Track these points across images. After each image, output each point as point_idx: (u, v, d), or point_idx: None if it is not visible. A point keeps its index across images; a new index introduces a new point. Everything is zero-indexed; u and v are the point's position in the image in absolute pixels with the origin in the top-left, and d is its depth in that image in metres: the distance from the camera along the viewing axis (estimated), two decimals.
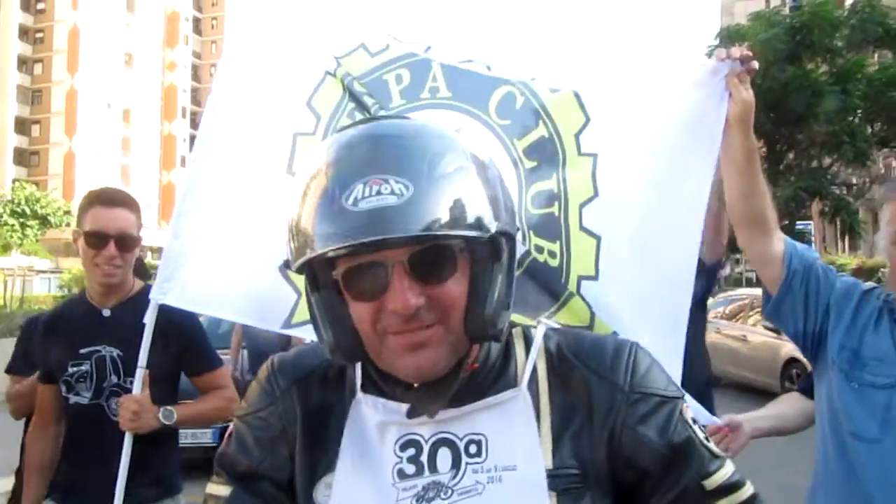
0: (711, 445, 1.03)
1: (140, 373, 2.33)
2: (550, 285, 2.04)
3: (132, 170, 72.03)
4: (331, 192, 0.91)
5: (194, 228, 2.31)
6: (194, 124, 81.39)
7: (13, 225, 36.22)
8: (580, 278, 2.03)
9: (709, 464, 1.01)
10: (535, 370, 1.04)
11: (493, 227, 0.94)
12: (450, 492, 0.99)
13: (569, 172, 2.07)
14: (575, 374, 1.04)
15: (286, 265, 1.00)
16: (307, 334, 2.07)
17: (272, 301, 2.16)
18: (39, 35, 71.25)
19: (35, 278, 32.40)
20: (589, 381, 1.03)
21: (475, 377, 1.02)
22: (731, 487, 1.01)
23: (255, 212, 2.23)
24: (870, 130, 18.59)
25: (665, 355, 1.86)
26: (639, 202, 2.01)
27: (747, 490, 1.02)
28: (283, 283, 2.15)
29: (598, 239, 2.03)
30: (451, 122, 2.14)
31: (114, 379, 2.43)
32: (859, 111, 17.85)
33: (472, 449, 1.00)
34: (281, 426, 1.08)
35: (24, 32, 70.64)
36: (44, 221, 37.94)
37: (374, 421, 1.04)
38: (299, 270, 0.98)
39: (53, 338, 2.51)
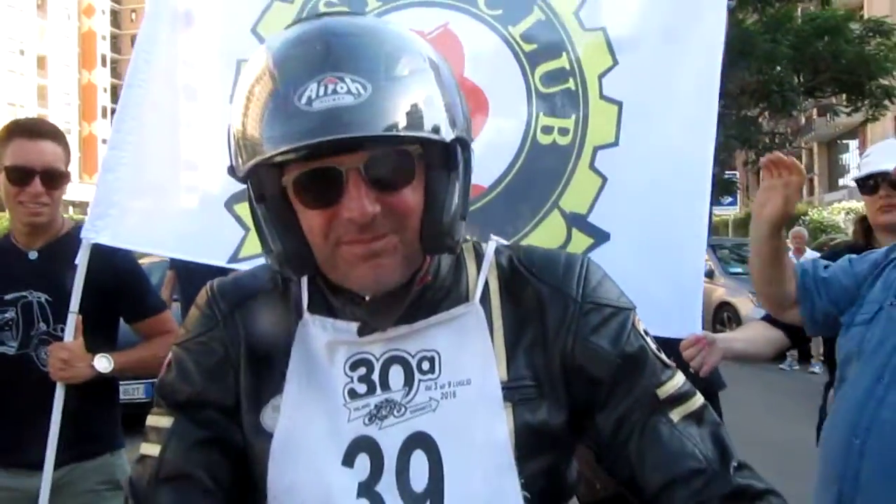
0: (663, 356, 1.03)
1: (72, 318, 2.17)
2: (544, 182, 2.01)
3: (50, 120, 68.91)
4: (282, 92, 0.86)
5: (129, 162, 2.16)
6: (115, 73, 78.42)
7: None
8: (596, 149, 2.00)
9: (661, 373, 1.01)
10: (486, 285, 1.03)
11: (451, 133, 0.92)
12: (403, 409, 0.97)
13: (578, 46, 2.03)
14: (527, 288, 1.02)
15: (231, 172, 0.96)
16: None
17: (217, 236, 2.07)
18: None
19: None
20: (541, 293, 1.02)
21: (426, 293, 1.00)
22: (682, 397, 1.01)
23: (196, 143, 2.11)
24: (797, 80, 18.99)
25: (684, 240, 1.91)
26: (658, 66, 2.02)
27: (698, 400, 1.02)
28: (229, 217, 2.05)
29: (620, 105, 2.00)
30: (435, 19, 2.08)
31: (42, 326, 2.24)
32: (786, 61, 18.20)
33: (425, 365, 0.99)
34: (224, 350, 1.04)
35: None
36: None
37: (322, 341, 1.01)
38: (246, 177, 0.93)
39: None
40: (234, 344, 1.04)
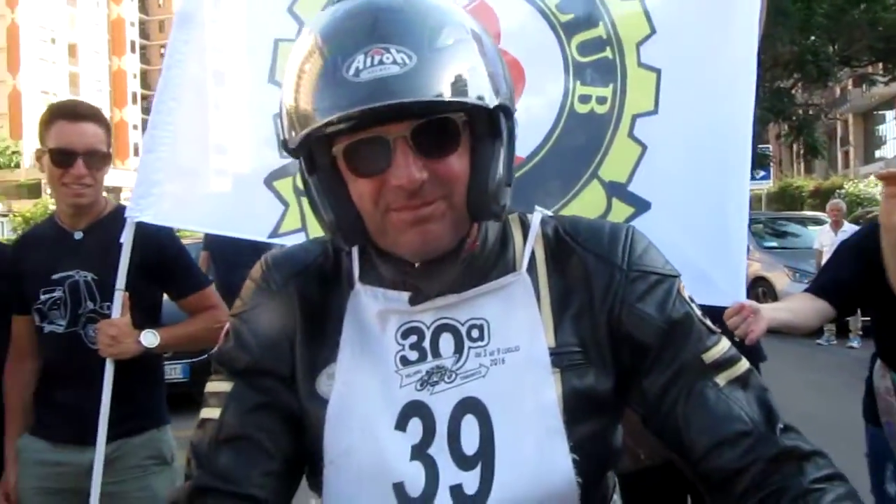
0: (708, 322, 1.04)
1: (118, 296, 2.20)
2: (582, 152, 2.01)
3: None
4: (331, 65, 0.89)
5: (169, 142, 2.18)
6: (145, 59, 79.10)
7: None
8: (635, 117, 1.99)
9: (706, 339, 1.02)
10: (533, 254, 1.05)
11: (495, 100, 0.93)
12: (453, 375, 1.00)
13: (615, 15, 2.01)
14: (573, 257, 1.04)
15: (284, 146, 0.98)
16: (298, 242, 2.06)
17: (257, 212, 2.08)
18: None
19: None
20: (587, 262, 1.03)
21: (474, 262, 1.02)
22: (728, 362, 1.01)
23: (236, 122, 2.13)
24: (832, 49, 18.61)
25: (726, 207, 1.89)
26: (696, 33, 1.99)
27: (743, 365, 1.02)
28: (269, 194, 2.06)
29: (659, 72, 1.98)
30: None
31: (89, 305, 2.27)
32: (821, 30, 17.82)
33: (475, 333, 1.01)
34: (280, 321, 1.06)
35: None
36: None
37: (373, 311, 1.04)
38: (297, 150, 0.96)
39: (23, 265, 2.33)
40: (288, 314, 1.06)
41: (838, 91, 30.09)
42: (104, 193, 2.38)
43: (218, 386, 1.07)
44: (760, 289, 11.01)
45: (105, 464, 2.18)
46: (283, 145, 0.99)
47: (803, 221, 13.25)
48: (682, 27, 1.99)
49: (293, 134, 0.94)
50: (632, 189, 1.97)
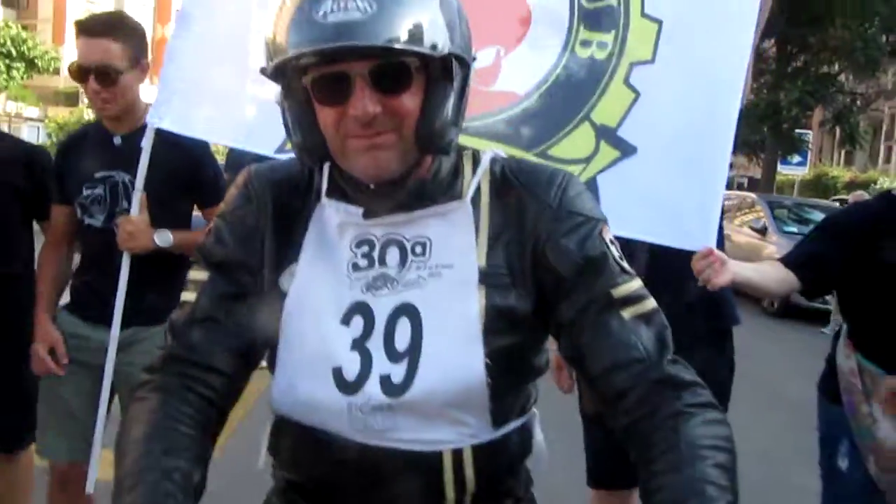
0: (624, 264, 1.15)
1: (136, 195, 2.37)
2: (578, 94, 2.06)
3: None
4: (303, 6, 1.01)
5: (189, 53, 2.28)
6: None
7: None
8: (632, 65, 2.05)
9: (618, 276, 1.13)
10: (479, 188, 1.17)
11: (447, 49, 1.05)
12: (396, 283, 1.13)
13: None
14: (512, 193, 1.16)
15: (262, 72, 1.10)
16: None
17: (265, 127, 2.15)
18: None
19: (23, 125, 31.80)
20: (524, 198, 1.15)
21: (425, 189, 1.14)
22: (635, 299, 1.12)
23: (249, 39, 2.20)
24: (884, 39, 18.13)
25: (709, 159, 1.95)
26: None
27: (650, 303, 1.13)
28: (278, 111, 2.12)
29: (660, 23, 2.03)
30: None
31: (125, 204, 2.44)
32: (877, 19, 17.33)
33: (418, 249, 1.14)
34: (254, 221, 1.20)
35: None
36: (31, 64, 36.91)
37: (334, 222, 1.17)
38: (273, 77, 1.09)
39: (70, 160, 2.52)
40: (262, 217, 1.20)
41: (890, 84, 29.32)
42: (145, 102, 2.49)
43: (197, 275, 1.25)
44: None
45: (121, 347, 2.41)
46: (262, 71, 1.11)
47: (828, 210, 13.12)
48: None
49: (270, 63, 1.07)
50: (620, 133, 2.02)
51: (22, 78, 35.91)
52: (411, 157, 1.10)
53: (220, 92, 2.30)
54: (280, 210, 1.20)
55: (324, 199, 1.18)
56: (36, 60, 37.68)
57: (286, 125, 1.13)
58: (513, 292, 1.13)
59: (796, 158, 21.55)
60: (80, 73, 2.36)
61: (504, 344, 1.11)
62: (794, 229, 11.78)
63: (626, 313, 1.11)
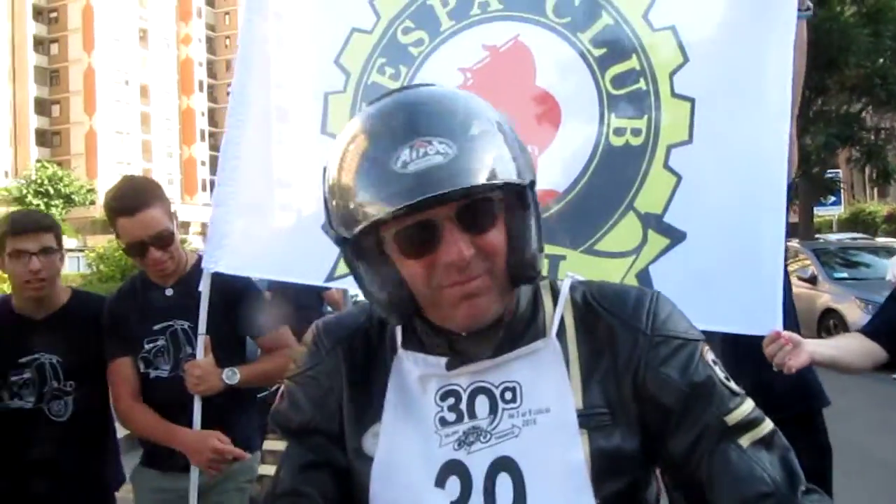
0: (732, 385, 1.08)
1: (201, 339, 2.43)
2: (618, 184, 2.02)
3: (153, 146, 72.50)
4: (377, 157, 0.96)
5: (236, 194, 2.35)
6: (212, 97, 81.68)
7: (38, 205, 36.61)
8: (670, 148, 1.99)
9: (729, 401, 1.05)
10: (562, 320, 1.11)
11: (524, 178, 1.02)
12: (489, 435, 1.06)
13: (648, 46, 2.03)
14: (600, 322, 1.10)
15: (336, 240, 1.05)
16: (350, 286, 2.22)
17: (314, 257, 2.17)
18: (53, 15, 71.52)
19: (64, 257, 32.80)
20: (613, 327, 1.09)
21: (508, 329, 1.08)
22: (751, 423, 1.05)
23: (292, 173, 2.30)
24: None
25: (763, 236, 1.87)
26: (729, 62, 1.98)
27: (767, 426, 1.05)
28: (323, 236, 2.11)
29: (693, 101, 1.98)
30: (506, 33, 2.14)
31: (188, 350, 2.49)
32: (889, 52, 17.33)
33: (508, 395, 1.07)
34: (329, 383, 1.15)
35: (38, 13, 70.94)
36: (68, 200, 38.35)
37: (415, 374, 1.11)
38: (354, 240, 1.02)
39: (125, 317, 2.54)
40: (337, 377, 1.15)
41: None
42: (182, 239, 2.58)
43: (274, 444, 1.18)
44: (831, 321, 10.64)
45: (209, 487, 2.45)
46: (335, 239, 1.06)
47: (876, 251, 12.80)
48: (715, 55, 1.98)
49: (343, 229, 1.02)
50: (667, 220, 1.96)
51: (60, 214, 37.19)
52: (506, 298, 1.05)
53: (258, 220, 2.35)
54: (354, 367, 1.15)
55: (400, 351, 1.13)
56: (73, 196, 39.11)
57: (359, 281, 1.08)
58: (617, 431, 1.05)
59: (831, 199, 21.28)
60: (137, 249, 2.42)
61: (615, 489, 1.03)
62: (845, 274, 11.49)
63: (745, 441, 1.03)
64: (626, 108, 2.02)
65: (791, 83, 1.87)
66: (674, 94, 1.99)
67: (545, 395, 1.06)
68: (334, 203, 1.03)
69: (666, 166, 1.98)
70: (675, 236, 1.94)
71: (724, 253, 1.90)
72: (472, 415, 1.07)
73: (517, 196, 1.03)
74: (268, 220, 2.33)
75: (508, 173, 0.99)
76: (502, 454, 1.04)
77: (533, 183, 1.05)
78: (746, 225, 1.90)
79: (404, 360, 1.12)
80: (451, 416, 1.08)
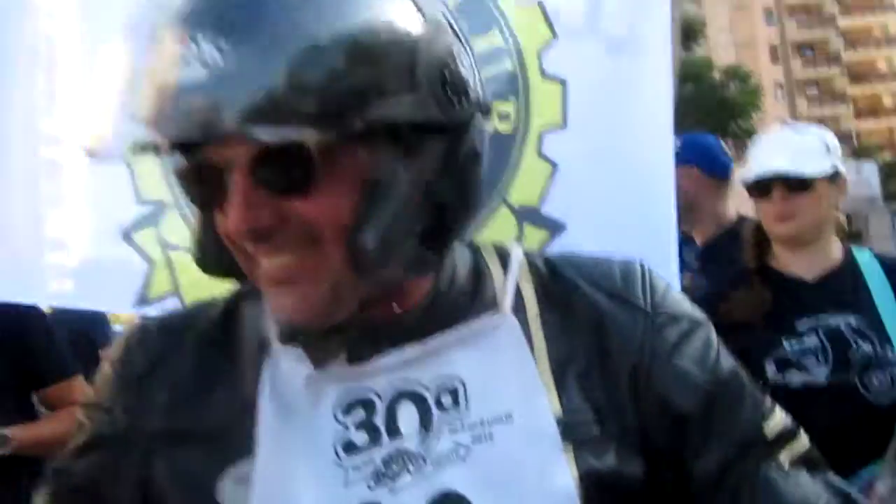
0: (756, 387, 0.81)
1: None
2: (487, 175, 1.72)
3: None
4: (136, 58, 0.63)
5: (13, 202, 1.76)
6: None
7: None
8: (542, 134, 1.75)
9: (761, 405, 0.78)
10: (519, 293, 0.79)
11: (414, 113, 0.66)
12: (421, 462, 0.72)
13: (514, 19, 1.79)
14: (576, 297, 0.79)
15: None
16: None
17: (116, 275, 1.69)
18: None
19: None
20: (597, 302, 0.78)
21: (435, 306, 0.77)
22: (789, 434, 0.78)
23: (82, 169, 1.76)
24: None
25: (651, 221, 1.67)
26: (600, 38, 1.77)
27: (804, 437, 0.79)
28: (128, 250, 1.68)
29: (564, 82, 1.76)
30: None
31: None
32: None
33: (446, 400, 0.74)
34: (127, 421, 0.80)
35: None
36: None
37: (299, 379, 0.75)
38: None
39: None
40: (155, 409, 0.79)
41: None
42: None
43: None
44: None
45: None
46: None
47: None
48: (586, 31, 1.80)
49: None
50: (545, 212, 1.74)
51: None
52: (354, 288, 0.70)
53: (41, 239, 1.74)
54: (191, 383, 0.79)
55: (276, 347, 0.77)
56: None
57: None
58: (611, 447, 0.74)
59: None
60: None
61: None
62: None
63: (786, 458, 0.76)
64: (491, 90, 1.81)
65: (671, 52, 1.72)
66: (543, 75, 1.79)
67: (504, 396, 0.74)
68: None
69: (540, 154, 1.77)
70: (555, 229, 1.74)
71: (609, 244, 1.68)
72: (395, 433, 0.73)
73: (390, 138, 0.66)
74: (46, 231, 1.73)
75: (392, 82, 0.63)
76: (445, 489, 0.71)
77: (447, 101, 0.68)
78: (631, 213, 1.71)
79: (282, 360, 0.76)
80: (361, 438, 0.73)
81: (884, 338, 1.83)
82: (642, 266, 0.83)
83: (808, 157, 1.93)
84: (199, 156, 0.66)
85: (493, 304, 0.78)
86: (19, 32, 1.80)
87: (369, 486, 0.72)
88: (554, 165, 1.75)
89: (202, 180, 0.68)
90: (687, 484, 0.76)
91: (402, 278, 0.74)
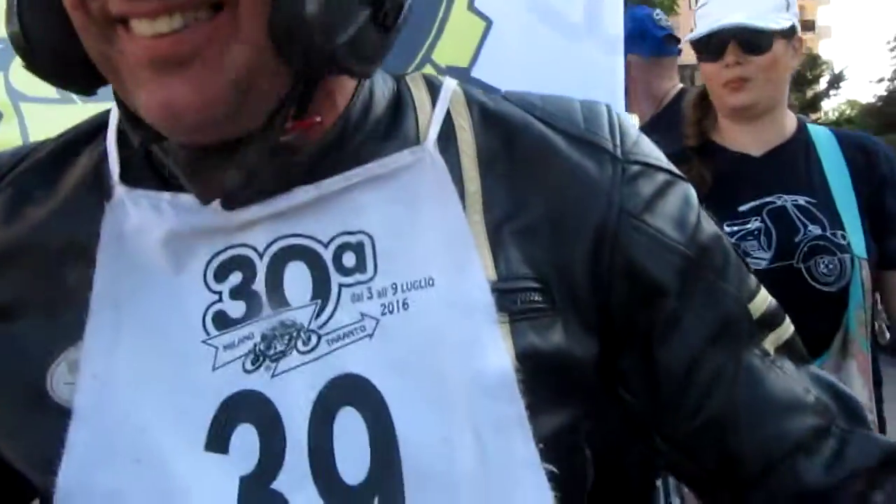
0: (740, 252, 0.68)
1: None
2: (411, 33, 1.46)
3: None
4: None
5: None
6: None
7: None
8: None
9: (747, 277, 0.66)
10: (449, 126, 0.63)
11: None
12: (313, 338, 0.56)
13: None
14: (526, 135, 0.64)
15: None
16: None
17: None
18: None
19: None
20: (553, 143, 0.63)
21: (342, 140, 0.60)
22: (775, 315, 0.67)
23: None
24: None
25: (593, 85, 1.49)
26: None
27: (788, 322, 0.68)
28: None
29: None
30: None
31: None
32: None
33: (349, 259, 0.58)
34: None
35: None
36: None
37: (156, 234, 0.59)
38: None
39: None
40: None
41: None
42: None
43: None
44: None
45: None
46: None
47: None
48: None
49: None
50: (475, 74, 1.57)
51: None
52: (271, 83, 0.53)
53: None
54: (15, 239, 0.62)
55: (119, 191, 0.61)
56: None
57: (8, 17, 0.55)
58: (558, 322, 0.60)
59: None
60: None
61: (559, 425, 0.59)
62: None
63: (769, 344, 0.65)
64: None
65: None
66: None
67: (423, 256, 0.59)
68: None
69: (471, 8, 1.58)
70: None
71: None
72: (280, 302, 0.58)
73: None
74: None
75: None
76: (343, 372, 0.56)
77: None
78: (574, 77, 1.54)
79: (129, 210, 0.60)
80: (236, 309, 0.58)
81: (836, 220, 1.71)
82: (608, 106, 0.68)
83: (767, 11, 1.74)
84: None
85: (415, 141, 0.62)
86: None
87: (245, 369, 0.56)
88: (488, 21, 1.57)
89: None
90: (651, 371, 0.63)
91: (330, 64, 0.54)
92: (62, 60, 0.55)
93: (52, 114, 1.38)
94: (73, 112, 1.31)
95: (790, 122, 1.86)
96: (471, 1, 1.58)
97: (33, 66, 0.56)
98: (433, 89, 0.67)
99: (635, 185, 0.63)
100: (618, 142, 0.65)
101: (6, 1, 0.55)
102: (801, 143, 1.82)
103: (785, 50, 1.78)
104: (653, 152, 0.67)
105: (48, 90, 1.36)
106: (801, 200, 1.74)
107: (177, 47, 0.50)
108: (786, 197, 1.75)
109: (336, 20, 0.52)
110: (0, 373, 0.60)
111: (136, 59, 0.50)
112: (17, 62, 1.40)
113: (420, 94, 0.66)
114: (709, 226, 0.66)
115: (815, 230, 1.71)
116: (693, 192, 0.68)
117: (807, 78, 24.58)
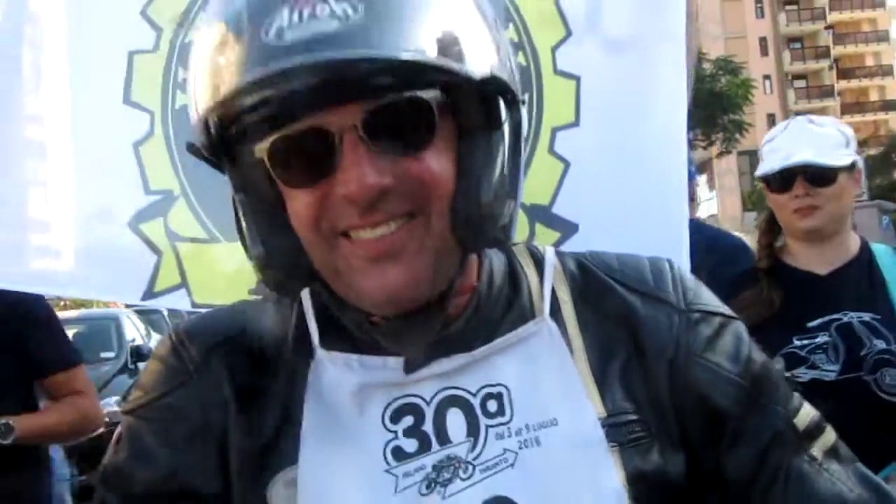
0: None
1: None
2: None
3: None
4: (243, 32, 0.65)
5: (5, 186, 1.77)
6: None
7: None
8: (555, 131, 1.72)
9: (792, 398, 0.81)
10: (554, 296, 0.81)
11: (488, 68, 0.68)
12: (470, 469, 0.73)
13: (528, 15, 1.76)
14: (611, 297, 0.81)
15: (190, 149, 0.75)
16: (177, 303, 1.63)
17: (124, 266, 1.68)
18: None
19: None
20: (630, 302, 0.81)
21: (479, 310, 0.78)
22: (818, 427, 0.80)
23: (89, 154, 1.73)
24: None
25: (662, 223, 1.65)
26: (616, 36, 1.75)
27: (831, 430, 0.82)
28: (137, 242, 1.67)
29: (578, 79, 1.73)
30: None
31: None
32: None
33: (492, 406, 0.76)
34: (201, 414, 0.78)
35: None
36: None
37: (348, 387, 0.77)
38: (213, 151, 0.72)
39: None
40: (216, 402, 0.79)
41: None
42: None
43: None
44: None
45: None
46: (191, 149, 0.76)
47: None
48: (599, 28, 1.78)
49: (202, 137, 0.72)
50: (556, 211, 1.72)
51: None
52: (450, 264, 0.73)
53: (54, 228, 1.76)
54: (245, 385, 0.79)
55: (319, 353, 0.78)
56: None
57: (241, 236, 0.76)
58: (655, 446, 0.76)
59: None
60: None
61: None
62: None
63: (817, 451, 0.78)
64: None
65: (685, 50, 1.70)
66: (556, 72, 1.76)
67: (548, 401, 0.76)
68: (193, 106, 0.71)
69: (551, 151, 1.74)
70: (567, 229, 1.71)
71: (622, 245, 1.66)
72: (444, 439, 0.75)
73: (480, 103, 0.71)
74: (57, 220, 1.75)
75: (468, 61, 0.66)
76: (495, 494, 0.73)
77: (504, 86, 0.71)
78: (644, 212, 1.69)
79: (328, 368, 0.77)
80: (410, 445, 0.75)
81: None
82: (670, 263, 0.86)
83: (831, 149, 1.90)
84: (312, 122, 0.66)
85: (531, 309, 0.80)
86: (6, 15, 1.78)
87: (421, 493, 0.73)
88: (566, 163, 1.73)
89: (306, 152, 0.67)
90: (721, 479, 0.78)
91: (493, 244, 0.75)
92: (287, 265, 0.74)
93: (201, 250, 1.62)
94: (219, 248, 1.59)
95: (854, 242, 1.98)
96: (551, 145, 1.75)
97: (268, 276, 0.75)
98: (537, 262, 0.84)
99: (696, 329, 0.80)
100: (680, 295, 0.82)
101: (244, 227, 0.75)
102: (864, 262, 1.94)
103: (847, 181, 1.93)
104: (711, 301, 0.84)
105: (198, 231, 1.61)
106: (867, 317, 1.84)
107: (392, 245, 0.69)
108: (852, 314, 1.85)
109: (500, 211, 0.72)
110: (228, 492, 0.78)
111: (359, 257, 0.70)
112: (175, 210, 1.65)
113: (528, 266, 0.84)
114: (759, 356, 0.81)
115: (880, 344, 1.80)
116: (744, 329, 0.83)
117: (892, 160, 24.57)
